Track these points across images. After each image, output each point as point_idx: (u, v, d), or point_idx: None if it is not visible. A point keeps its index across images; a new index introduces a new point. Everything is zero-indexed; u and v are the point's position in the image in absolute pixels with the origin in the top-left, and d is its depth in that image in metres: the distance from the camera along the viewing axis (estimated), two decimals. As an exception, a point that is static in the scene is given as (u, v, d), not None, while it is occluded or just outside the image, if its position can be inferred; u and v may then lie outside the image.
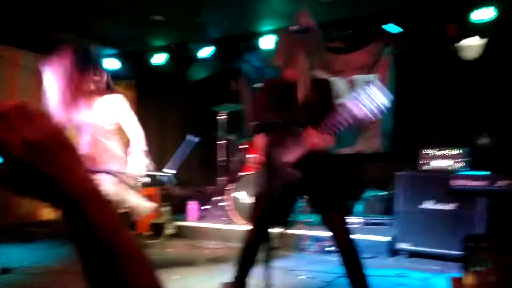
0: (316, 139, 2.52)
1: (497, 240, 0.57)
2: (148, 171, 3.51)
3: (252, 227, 2.93)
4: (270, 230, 2.71)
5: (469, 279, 0.69)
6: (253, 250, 2.91)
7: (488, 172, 4.03)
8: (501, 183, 3.75)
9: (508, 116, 4.94)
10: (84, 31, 5.89)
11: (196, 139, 5.29)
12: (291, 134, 2.69)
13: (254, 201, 2.88)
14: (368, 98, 2.20)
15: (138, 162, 3.39)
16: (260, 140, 2.73)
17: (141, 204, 3.50)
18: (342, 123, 2.35)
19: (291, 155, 2.68)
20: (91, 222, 0.61)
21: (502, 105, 4.97)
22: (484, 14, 4.73)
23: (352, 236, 2.72)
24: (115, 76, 6.80)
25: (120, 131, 3.41)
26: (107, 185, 3.23)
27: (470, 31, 5.10)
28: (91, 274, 0.62)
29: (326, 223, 2.77)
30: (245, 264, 2.91)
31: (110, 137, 3.33)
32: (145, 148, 3.45)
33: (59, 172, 0.61)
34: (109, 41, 6.39)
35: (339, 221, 2.73)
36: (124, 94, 3.49)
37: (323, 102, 2.72)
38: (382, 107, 2.15)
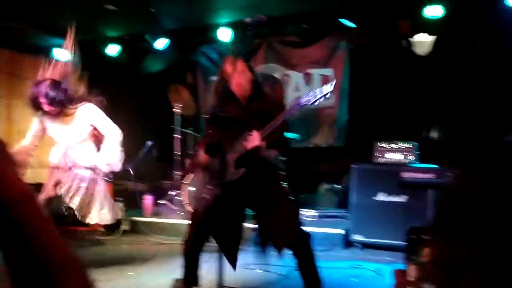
0: (256, 142, 2.55)
1: (439, 231, 0.59)
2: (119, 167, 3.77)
3: (197, 223, 2.90)
4: (216, 226, 2.71)
5: (411, 271, 0.71)
6: (200, 246, 2.90)
7: (436, 166, 4.18)
8: (448, 176, 3.89)
9: (455, 111, 5.13)
10: (33, 19, 5.63)
11: (150, 143, 5.37)
12: (237, 131, 2.69)
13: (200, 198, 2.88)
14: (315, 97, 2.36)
15: (109, 158, 3.65)
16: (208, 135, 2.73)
17: (101, 214, 3.74)
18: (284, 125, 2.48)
19: (233, 153, 2.69)
20: (20, 226, 0.60)
21: (450, 101, 5.16)
22: (433, 11, 4.87)
23: (298, 231, 2.76)
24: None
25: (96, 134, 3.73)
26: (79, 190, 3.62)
27: (421, 27, 5.25)
28: (18, 277, 0.60)
29: (265, 223, 2.81)
30: (193, 259, 2.90)
31: (85, 142, 3.69)
32: (119, 146, 3.69)
33: None
34: (59, 31, 6.12)
35: (277, 219, 2.75)
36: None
37: (270, 105, 2.73)
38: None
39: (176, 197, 5.66)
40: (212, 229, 2.75)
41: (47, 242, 0.62)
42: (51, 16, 5.52)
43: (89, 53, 6.56)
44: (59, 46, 6.44)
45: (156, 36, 6.12)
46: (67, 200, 3.65)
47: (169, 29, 6.07)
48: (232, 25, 5.72)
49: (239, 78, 2.71)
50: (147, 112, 6.87)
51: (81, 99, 3.71)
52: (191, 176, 5.19)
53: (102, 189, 3.77)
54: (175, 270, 3.28)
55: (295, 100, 2.59)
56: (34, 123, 3.76)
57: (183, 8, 5.44)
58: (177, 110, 5.89)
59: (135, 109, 7.01)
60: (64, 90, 3.60)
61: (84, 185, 3.68)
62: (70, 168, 3.70)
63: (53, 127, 3.69)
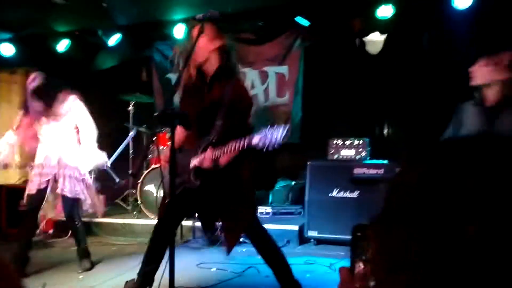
0: (208, 163, 2.58)
1: (377, 226, 0.60)
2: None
3: (158, 222, 2.88)
4: (177, 225, 2.67)
5: (356, 269, 0.71)
6: (160, 246, 2.84)
7: (387, 161, 4.29)
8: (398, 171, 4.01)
9: (405, 108, 5.28)
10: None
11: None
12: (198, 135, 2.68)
13: (161, 198, 2.85)
14: (271, 134, 2.47)
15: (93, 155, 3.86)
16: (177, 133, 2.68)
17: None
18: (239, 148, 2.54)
19: (193, 160, 2.67)
20: None
21: (401, 98, 5.31)
22: (384, 11, 4.99)
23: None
24: (10, 63, 6.30)
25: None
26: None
27: (373, 26, 5.37)
28: None
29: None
30: (150, 260, 2.83)
31: (72, 137, 3.82)
32: (93, 144, 3.85)
33: None
34: (3, 24, 5.85)
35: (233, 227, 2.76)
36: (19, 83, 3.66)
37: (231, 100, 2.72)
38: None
39: (129, 197, 5.54)
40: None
41: None
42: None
43: (37, 48, 6.33)
44: (4, 40, 6.18)
45: (108, 32, 5.96)
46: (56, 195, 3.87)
47: (122, 25, 5.91)
48: (187, 21, 5.64)
49: (206, 45, 2.69)
50: (99, 109, 6.66)
51: (65, 95, 3.83)
52: (145, 174, 5.12)
53: (87, 184, 3.90)
54: (127, 272, 3.21)
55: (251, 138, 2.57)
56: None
57: (136, 3, 5.31)
58: (130, 107, 5.76)
59: (87, 106, 6.79)
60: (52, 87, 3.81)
61: (73, 181, 3.78)
62: (58, 165, 3.75)
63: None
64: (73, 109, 3.82)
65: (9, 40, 6.19)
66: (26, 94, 3.76)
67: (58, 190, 3.76)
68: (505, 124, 2.56)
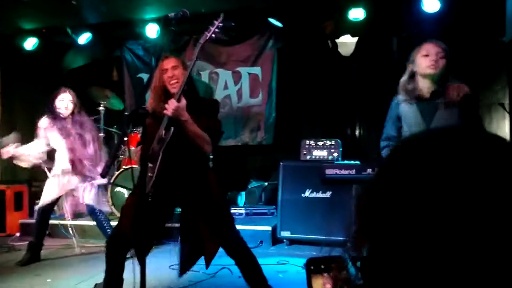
0: (173, 105, 2.50)
1: (334, 261, 0.61)
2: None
3: (121, 223, 2.77)
4: (145, 226, 2.59)
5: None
6: (124, 247, 2.77)
7: (358, 162, 4.35)
8: (368, 171, 4.07)
9: (376, 110, 5.37)
10: None
11: None
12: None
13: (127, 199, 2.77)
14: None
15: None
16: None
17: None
18: None
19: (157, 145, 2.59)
20: None
21: (372, 99, 5.39)
22: (356, 14, 5.07)
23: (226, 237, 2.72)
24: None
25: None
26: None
27: (345, 29, 5.44)
28: None
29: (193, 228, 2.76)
30: (115, 261, 2.76)
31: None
32: None
33: None
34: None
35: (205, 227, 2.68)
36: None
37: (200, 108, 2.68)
38: None
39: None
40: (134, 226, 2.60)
41: None
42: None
43: (4, 47, 6.13)
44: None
45: (78, 30, 5.84)
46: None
47: (91, 23, 5.80)
48: (159, 20, 5.58)
49: (171, 73, 2.66)
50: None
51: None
52: (116, 176, 5.02)
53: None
54: (97, 275, 3.14)
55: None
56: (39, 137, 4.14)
57: (107, 1, 5.22)
58: (101, 108, 5.65)
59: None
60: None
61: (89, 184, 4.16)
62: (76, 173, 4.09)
63: (55, 135, 4.09)
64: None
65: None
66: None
67: (81, 200, 4.16)
68: (442, 119, 2.62)
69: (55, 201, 4.21)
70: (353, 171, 4.21)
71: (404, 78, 2.79)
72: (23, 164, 4.19)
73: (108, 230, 4.09)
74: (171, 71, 2.69)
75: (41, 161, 4.18)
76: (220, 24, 2.59)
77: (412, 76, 2.76)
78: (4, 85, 6.40)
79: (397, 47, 5.30)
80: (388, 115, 2.93)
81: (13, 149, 4.05)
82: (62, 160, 4.09)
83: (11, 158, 4.10)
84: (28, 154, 4.10)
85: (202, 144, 2.61)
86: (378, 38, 5.41)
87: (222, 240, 2.67)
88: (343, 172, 4.25)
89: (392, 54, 5.31)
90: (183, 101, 2.49)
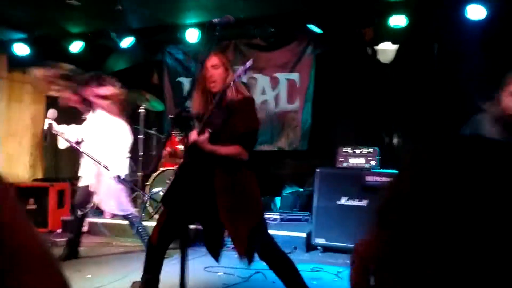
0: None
1: (371, 230, 0.62)
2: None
3: (161, 224, 2.83)
4: (183, 227, 2.64)
5: None
6: (163, 248, 2.84)
7: (396, 171, 4.27)
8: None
9: (415, 118, 5.27)
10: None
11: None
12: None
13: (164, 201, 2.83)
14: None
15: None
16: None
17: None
18: None
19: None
20: None
21: (411, 107, 5.30)
22: (397, 21, 4.99)
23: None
24: (23, 63, 6.37)
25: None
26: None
27: (385, 36, 5.37)
28: None
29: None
30: (155, 261, 2.83)
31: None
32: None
33: None
34: (18, 25, 5.92)
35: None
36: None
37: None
38: None
39: (137, 199, 5.56)
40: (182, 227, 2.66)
41: (18, 238, 0.60)
42: (9, 8, 5.32)
43: (50, 49, 6.38)
44: (18, 40, 6.24)
45: (121, 34, 6.00)
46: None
47: (134, 28, 5.96)
48: (199, 26, 5.68)
49: (210, 73, 2.69)
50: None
51: None
52: (154, 177, 5.13)
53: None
54: (134, 272, 3.22)
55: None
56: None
57: (150, 7, 5.35)
58: (141, 110, 5.79)
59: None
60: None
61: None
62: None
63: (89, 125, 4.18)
64: None
65: (23, 40, 6.26)
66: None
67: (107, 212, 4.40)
68: None
69: (88, 198, 4.20)
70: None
71: (491, 104, 2.75)
72: (60, 145, 4.29)
73: (141, 231, 4.20)
74: (211, 70, 2.70)
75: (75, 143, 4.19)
76: (248, 68, 2.60)
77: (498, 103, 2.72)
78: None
79: (437, 54, 5.20)
80: (467, 127, 2.88)
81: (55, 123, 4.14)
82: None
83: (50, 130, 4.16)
84: (63, 132, 4.17)
85: (236, 158, 2.66)
86: (418, 45, 5.32)
87: (250, 229, 2.67)
88: (384, 179, 4.19)
89: (433, 61, 5.21)
90: (205, 135, 2.51)
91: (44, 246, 0.65)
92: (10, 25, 5.90)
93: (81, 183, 4.21)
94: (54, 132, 4.13)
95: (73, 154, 4.85)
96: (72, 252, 4.23)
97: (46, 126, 4.12)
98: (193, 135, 2.49)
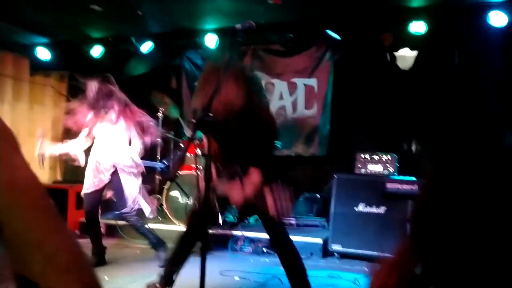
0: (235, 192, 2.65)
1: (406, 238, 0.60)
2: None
3: (186, 228, 2.91)
4: (204, 231, 2.67)
5: None
6: (185, 251, 2.88)
7: (415, 178, 4.24)
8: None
9: (435, 125, 5.21)
10: (14, 16, 5.53)
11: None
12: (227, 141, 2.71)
13: (192, 204, 2.91)
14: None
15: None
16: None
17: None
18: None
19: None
20: (20, 215, 0.62)
21: (430, 114, 5.24)
22: (417, 27, 4.96)
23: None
24: (45, 66, 6.49)
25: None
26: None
27: (404, 42, 5.33)
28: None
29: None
30: (174, 263, 2.88)
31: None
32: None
33: None
34: (40, 29, 6.04)
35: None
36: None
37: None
38: None
39: (155, 202, 5.59)
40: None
41: (40, 233, 0.63)
42: (33, 13, 5.44)
43: (72, 53, 6.50)
44: (41, 44, 6.37)
45: (141, 39, 6.08)
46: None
47: (154, 32, 6.03)
48: (218, 31, 5.72)
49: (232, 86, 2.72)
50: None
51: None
52: (171, 182, 5.16)
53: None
54: (150, 275, 3.24)
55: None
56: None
57: (169, 12, 5.41)
58: (159, 114, 5.84)
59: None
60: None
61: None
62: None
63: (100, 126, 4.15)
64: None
65: (45, 45, 6.39)
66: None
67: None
68: None
69: (98, 201, 4.19)
70: (415, 187, 4.11)
71: None
72: (81, 162, 4.27)
73: (144, 230, 4.16)
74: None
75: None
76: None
77: None
78: (71, 88, 6.81)
79: (459, 61, 5.14)
80: None
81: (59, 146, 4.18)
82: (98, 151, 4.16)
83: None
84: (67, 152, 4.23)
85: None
86: (438, 52, 5.27)
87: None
88: (406, 187, 4.16)
89: (453, 67, 5.15)
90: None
91: (79, 248, 0.68)
92: (33, 30, 6.02)
93: (84, 191, 4.15)
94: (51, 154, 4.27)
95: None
96: (100, 261, 4.15)
97: (39, 150, 4.17)
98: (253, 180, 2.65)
